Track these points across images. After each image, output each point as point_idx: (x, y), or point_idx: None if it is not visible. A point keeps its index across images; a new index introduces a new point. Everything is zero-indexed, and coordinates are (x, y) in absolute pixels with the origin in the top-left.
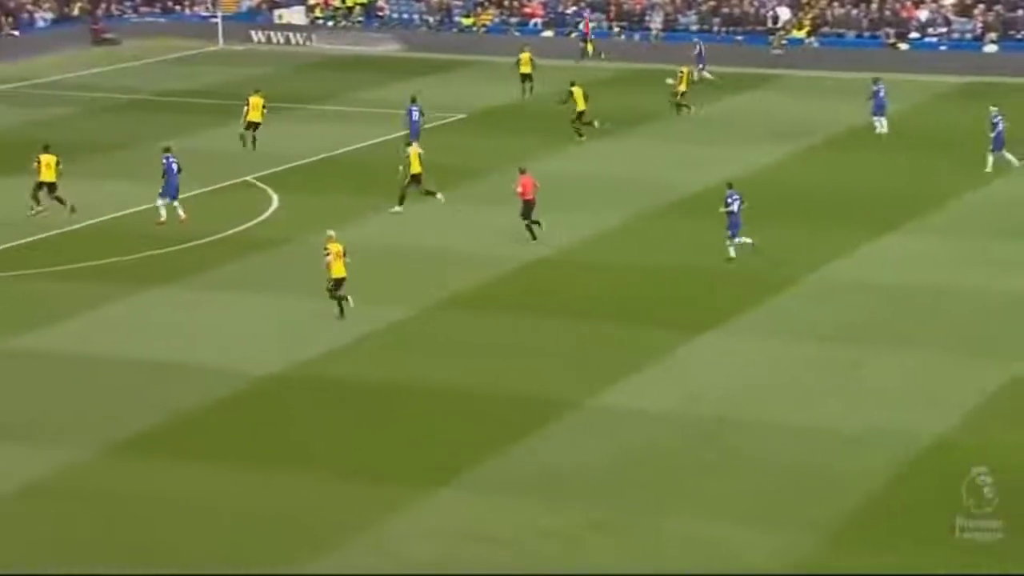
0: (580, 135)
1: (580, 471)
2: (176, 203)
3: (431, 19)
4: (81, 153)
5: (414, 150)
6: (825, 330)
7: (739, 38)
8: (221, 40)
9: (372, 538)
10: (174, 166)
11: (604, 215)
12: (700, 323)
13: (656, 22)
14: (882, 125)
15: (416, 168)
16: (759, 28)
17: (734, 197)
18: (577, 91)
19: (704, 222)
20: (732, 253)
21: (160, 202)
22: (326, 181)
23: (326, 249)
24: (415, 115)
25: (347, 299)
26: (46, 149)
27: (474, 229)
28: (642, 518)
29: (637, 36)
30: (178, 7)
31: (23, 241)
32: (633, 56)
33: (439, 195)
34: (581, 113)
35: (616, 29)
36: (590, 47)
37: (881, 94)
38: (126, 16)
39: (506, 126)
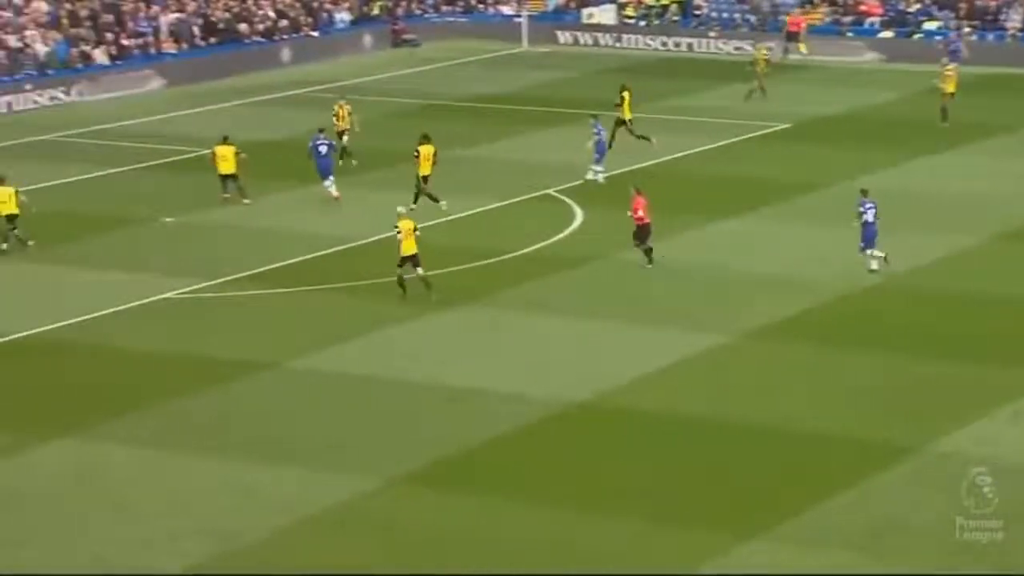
0: (646, 138)
1: (917, 526)
2: (328, 183)
3: (753, 18)
4: (374, 161)
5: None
6: None
7: None
8: (525, 41)
9: None
10: (322, 147)
11: (951, 237)
12: None
13: (1015, 20)
14: None
15: None
16: None
17: (868, 206)
18: (627, 96)
19: None
20: (874, 266)
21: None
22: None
23: (396, 227)
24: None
25: (427, 281)
26: (224, 141)
27: (794, 250)
28: None
29: (991, 36)
30: (481, 6)
31: (316, 255)
32: (990, 58)
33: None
34: (626, 122)
35: (967, 29)
36: (803, 47)
37: None
38: (427, 16)
39: (835, 137)
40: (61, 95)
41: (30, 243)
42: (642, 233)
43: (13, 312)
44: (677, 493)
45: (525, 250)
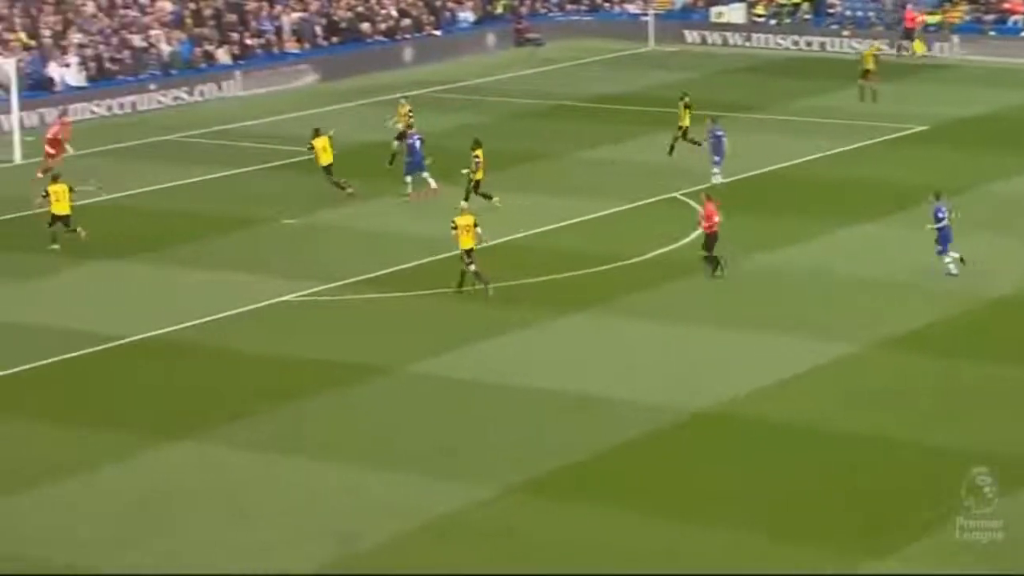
0: (696, 142)
1: None
2: (416, 177)
3: (888, 17)
4: (499, 162)
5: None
6: None
7: None
8: (651, 41)
9: None
10: (416, 143)
11: None
12: None
13: None
14: None
15: None
16: None
17: (943, 210)
18: (683, 106)
19: None
20: (953, 270)
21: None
22: (761, 199)
23: (453, 223)
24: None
25: (485, 282)
26: (317, 133)
27: (925, 257)
28: None
29: None
30: (607, 5)
31: (434, 258)
32: None
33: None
34: (684, 130)
35: None
36: (918, 47)
37: None
38: (551, 14)
39: (973, 140)
40: (184, 95)
41: (81, 232)
42: (709, 241)
43: (134, 313)
44: (803, 506)
45: (649, 255)
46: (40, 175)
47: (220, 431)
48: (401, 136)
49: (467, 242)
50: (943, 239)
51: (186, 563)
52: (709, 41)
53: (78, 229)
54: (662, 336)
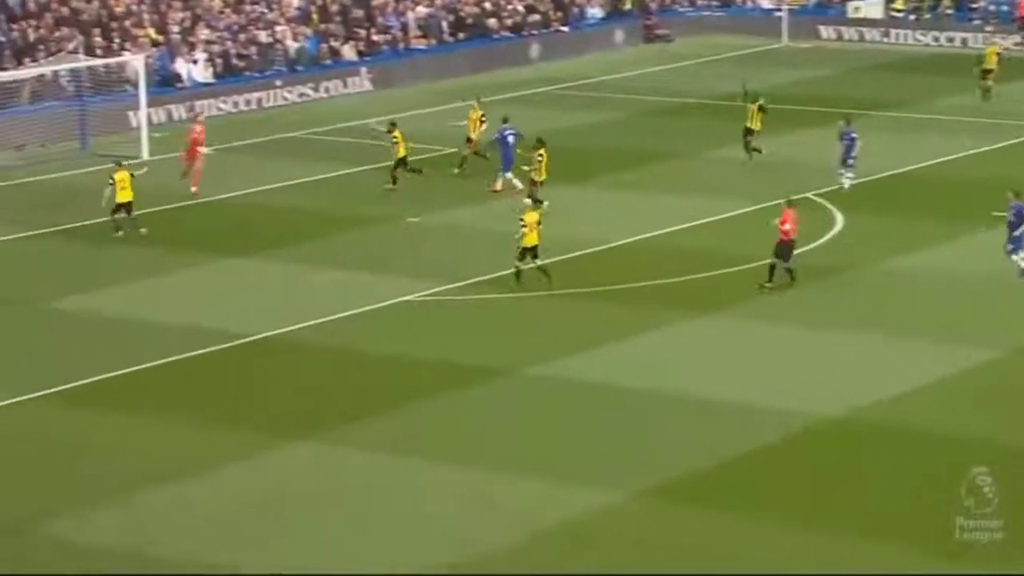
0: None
1: None
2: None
3: None
4: (625, 161)
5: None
6: None
7: None
8: (785, 36)
9: None
10: (509, 138)
11: None
12: None
13: None
14: None
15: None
16: None
17: (1016, 208)
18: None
19: None
20: None
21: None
22: (899, 201)
23: (522, 220)
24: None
25: (546, 271)
26: (394, 126)
27: None
28: None
29: None
30: (738, 0)
31: (557, 259)
32: None
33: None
34: (750, 131)
35: None
36: None
37: None
38: (681, 10)
39: None
40: (310, 91)
41: (143, 230)
42: (783, 250)
43: (257, 311)
44: (937, 516)
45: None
46: (194, 185)
47: (340, 432)
48: (469, 140)
49: (532, 239)
50: (1015, 239)
51: (303, 566)
52: (845, 37)
53: (142, 229)
54: (793, 340)
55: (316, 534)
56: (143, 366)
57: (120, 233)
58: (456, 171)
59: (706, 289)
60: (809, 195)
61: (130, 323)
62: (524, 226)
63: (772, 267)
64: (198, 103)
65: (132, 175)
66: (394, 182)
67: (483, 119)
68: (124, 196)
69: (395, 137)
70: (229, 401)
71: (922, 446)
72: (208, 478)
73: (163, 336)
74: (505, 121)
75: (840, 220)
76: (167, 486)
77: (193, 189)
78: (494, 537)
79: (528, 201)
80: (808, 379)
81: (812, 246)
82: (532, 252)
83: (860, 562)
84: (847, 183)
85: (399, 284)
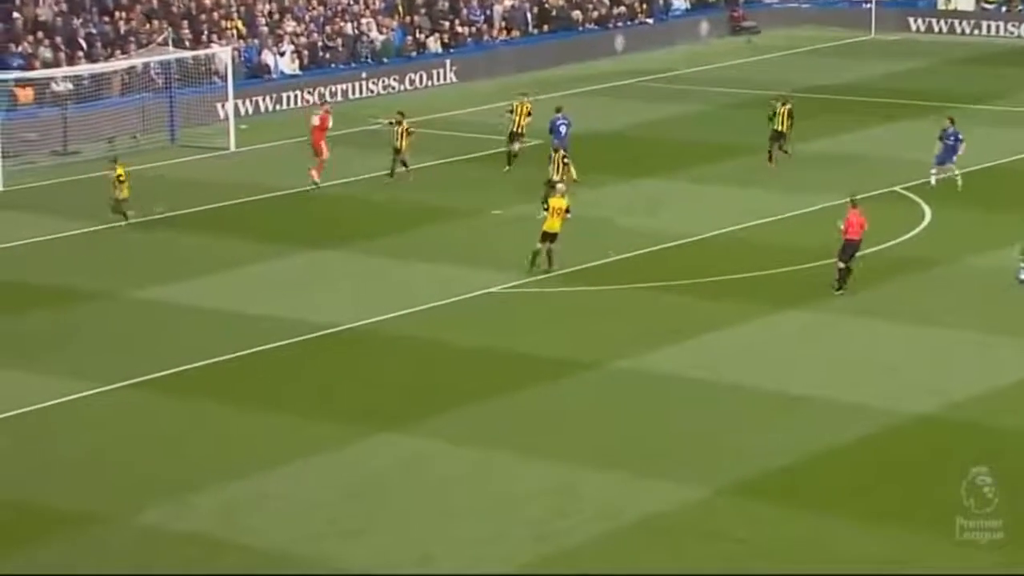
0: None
1: None
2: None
3: None
4: (711, 154)
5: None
6: None
7: None
8: (873, 28)
9: None
10: (562, 127)
11: None
12: None
13: None
14: None
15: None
16: None
17: None
18: (783, 111)
19: None
20: None
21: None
22: (989, 194)
23: (546, 204)
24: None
25: (551, 257)
26: (400, 115)
27: None
28: None
29: None
30: None
31: (641, 252)
32: None
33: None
34: (779, 134)
35: None
36: None
37: None
38: (767, 2)
39: None
40: (395, 83)
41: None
42: (846, 250)
43: (343, 302)
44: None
45: (866, 251)
46: (316, 176)
47: (427, 424)
48: (512, 137)
49: (553, 225)
50: None
51: (390, 559)
52: (935, 29)
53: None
54: (877, 336)
55: (402, 527)
56: (231, 356)
57: (132, 213)
58: (506, 169)
59: (791, 283)
60: (897, 188)
61: (217, 314)
62: (546, 209)
63: (844, 270)
64: (284, 94)
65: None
66: (392, 174)
67: (530, 113)
68: (125, 191)
69: (399, 127)
70: (316, 392)
71: (1008, 445)
72: (296, 469)
73: (251, 327)
74: (559, 111)
75: (928, 214)
76: (255, 477)
77: (316, 178)
78: (578, 531)
79: (562, 186)
80: (893, 374)
81: (899, 240)
82: (551, 238)
83: (938, 564)
84: (955, 174)
85: (484, 276)
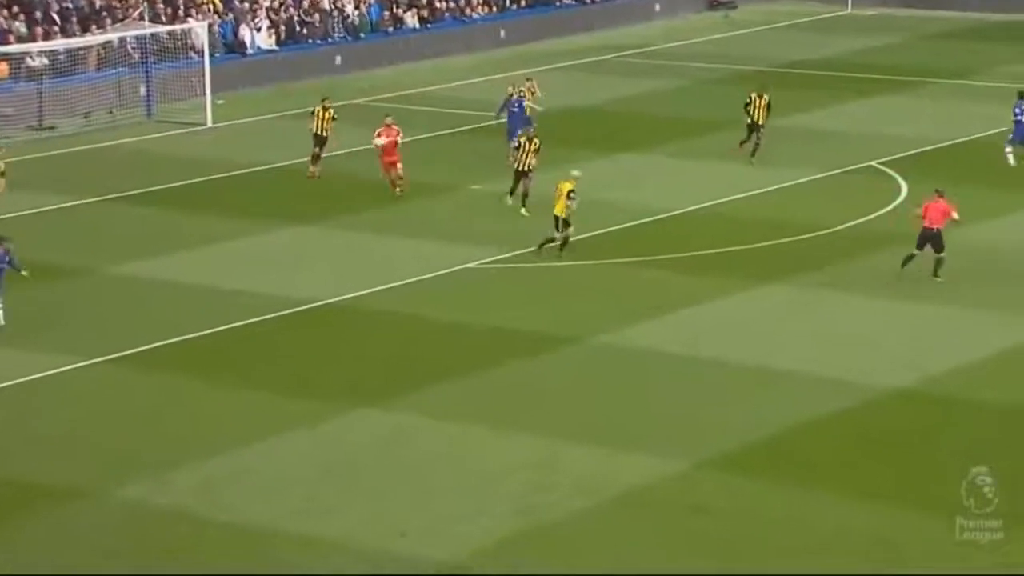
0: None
1: None
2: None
3: None
4: (691, 129)
5: None
6: None
7: None
8: (850, 4)
9: None
10: (514, 107)
11: None
12: None
13: None
14: None
15: None
16: None
17: None
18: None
19: None
20: None
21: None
22: (960, 169)
23: (558, 188)
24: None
25: (545, 241)
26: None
27: None
28: None
29: None
30: None
31: (620, 227)
32: None
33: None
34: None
35: None
36: None
37: None
38: None
39: None
40: (371, 58)
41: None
42: (923, 238)
43: (322, 278)
44: (1010, 489)
45: (844, 225)
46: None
47: (406, 399)
48: (519, 176)
49: (558, 209)
50: None
51: (367, 533)
52: (911, 3)
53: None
54: (855, 310)
55: (380, 503)
56: (208, 331)
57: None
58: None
59: (771, 257)
60: (874, 163)
61: (195, 289)
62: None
63: (909, 256)
64: (260, 70)
65: None
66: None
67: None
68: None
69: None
70: (294, 368)
71: (990, 418)
72: (275, 445)
73: (229, 302)
74: (520, 93)
75: (904, 189)
76: (234, 452)
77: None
78: (559, 505)
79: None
80: (872, 348)
81: (875, 215)
82: (566, 223)
83: (920, 537)
84: (1012, 159)
85: (462, 251)
